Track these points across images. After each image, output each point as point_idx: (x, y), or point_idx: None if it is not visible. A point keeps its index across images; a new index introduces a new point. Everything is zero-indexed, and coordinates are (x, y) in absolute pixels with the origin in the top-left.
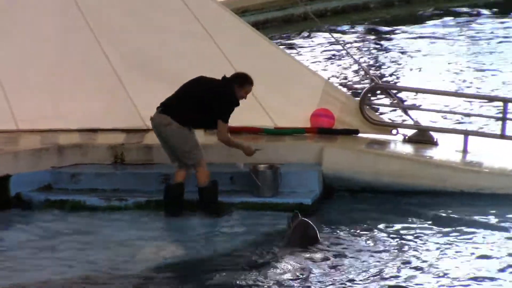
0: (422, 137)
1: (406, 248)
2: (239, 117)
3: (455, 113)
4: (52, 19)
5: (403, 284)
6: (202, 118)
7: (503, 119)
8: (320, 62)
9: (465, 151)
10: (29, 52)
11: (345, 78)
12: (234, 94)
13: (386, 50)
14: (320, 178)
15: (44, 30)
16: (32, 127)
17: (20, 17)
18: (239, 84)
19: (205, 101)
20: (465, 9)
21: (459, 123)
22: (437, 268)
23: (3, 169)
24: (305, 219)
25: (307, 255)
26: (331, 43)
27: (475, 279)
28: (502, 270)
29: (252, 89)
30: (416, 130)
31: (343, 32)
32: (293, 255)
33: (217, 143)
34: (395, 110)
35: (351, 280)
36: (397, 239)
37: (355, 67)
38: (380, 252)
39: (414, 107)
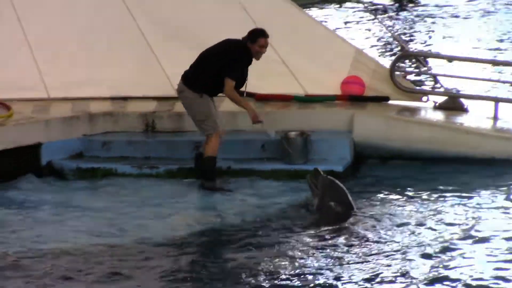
0: (453, 104)
1: (438, 216)
2: (269, 85)
3: (485, 80)
4: None
5: (438, 252)
6: (213, 81)
7: None
8: (351, 29)
9: (495, 117)
10: (61, 20)
11: (376, 45)
12: (243, 52)
13: (417, 17)
14: (351, 145)
15: (74, 0)
16: (63, 95)
17: None
18: (251, 41)
19: (215, 62)
20: None
21: (490, 90)
22: (471, 235)
23: (35, 137)
24: (329, 177)
25: (340, 223)
26: (361, 11)
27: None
28: None
29: (267, 41)
30: (446, 97)
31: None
32: (326, 222)
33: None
34: (425, 77)
35: (389, 248)
36: (430, 207)
37: (386, 34)
38: (413, 219)
39: (445, 74)
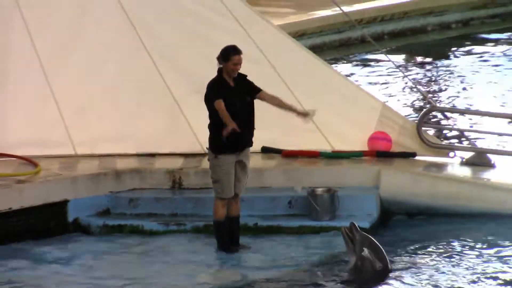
0: (480, 160)
1: (470, 273)
2: (296, 141)
3: None
4: (110, 43)
5: None
6: (211, 130)
7: None
8: (377, 85)
9: None
10: (87, 77)
11: (402, 100)
12: (213, 82)
13: (443, 72)
14: (378, 201)
15: (101, 55)
16: (90, 152)
17: (79, 39)
18: (223, 60)
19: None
20: None
21: None
22: None
23: (61, 194)
24: (367, 234)
25: (377, 283)
26: (388, 66)
27: None
28: None
29: (240, 58)
30: (473, 153)
31: (400, 55)
32: (363, 281)
33: (275, 167)
34: (451, 133)
35: None
36: (460, 265)
37: (412, 89)
38: (443, 278)
39: (472, 129)
